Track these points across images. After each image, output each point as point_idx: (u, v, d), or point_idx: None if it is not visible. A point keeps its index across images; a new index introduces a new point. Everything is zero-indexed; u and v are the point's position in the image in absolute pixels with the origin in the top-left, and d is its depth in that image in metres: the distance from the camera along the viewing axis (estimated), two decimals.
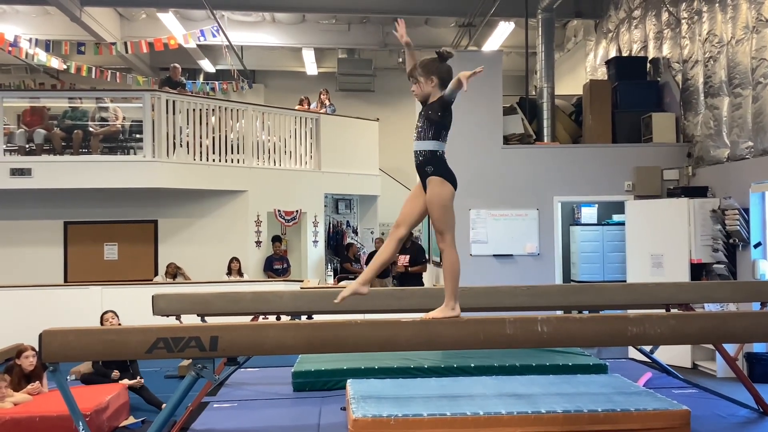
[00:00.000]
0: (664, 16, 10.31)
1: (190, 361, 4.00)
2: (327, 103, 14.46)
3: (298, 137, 12.87)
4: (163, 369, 8.22)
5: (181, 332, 3.80)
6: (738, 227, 8.16)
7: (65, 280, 11.37)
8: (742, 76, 8.33)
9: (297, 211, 12.49)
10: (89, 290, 10.07)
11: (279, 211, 12.28)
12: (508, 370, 6.36)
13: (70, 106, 11.57)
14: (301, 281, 11.01)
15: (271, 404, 5.98)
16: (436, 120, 3.83)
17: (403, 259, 10.65)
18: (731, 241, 8.35)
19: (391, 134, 16.14)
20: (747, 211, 8.16)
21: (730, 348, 5.49)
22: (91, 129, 11.19)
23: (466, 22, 13.43)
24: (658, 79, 10.38)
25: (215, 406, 5.90)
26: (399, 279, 10.84)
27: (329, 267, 13.95)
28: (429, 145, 3.84)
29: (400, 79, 17.33)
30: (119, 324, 6.88)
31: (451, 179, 3.86)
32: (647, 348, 6.16)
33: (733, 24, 8.46)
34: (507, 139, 9.84)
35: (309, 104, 14.53)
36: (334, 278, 13.27)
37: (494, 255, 9.53)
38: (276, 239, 12.20)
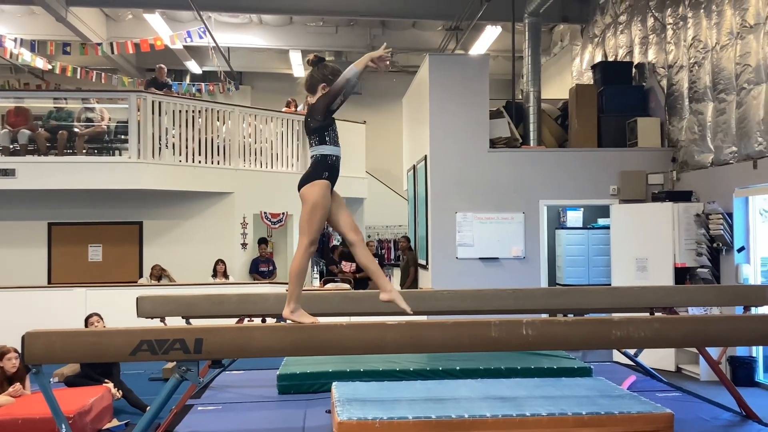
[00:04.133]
0: (650, 21, 10.38)
1: (175, 363, 3.98)
2: None
3: (285, 139, 12.85)
4: (147, 371, 8.18)
5: (165, 334, 3.78)
6: (722, 231, 8.22)
7: (49, 282, 11.29)
8: (726, 81, 8.40)
9: (283, 213, 12.47)
10: (73, 292, 10.01)
11: (265, 213, 12.25)
12: (494, 373, 6.36)
13: (55, 107, 11.49)
14: (287, 284, 10.99)
15: (256, 407, 5.95)
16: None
17: (349, 267, 11.15)
18: (715, 245, 8.42)
19: (378, 137, 16.15)
20: (731, 215, 8.23)
21: (714, 351, 5.53)
22: (76, 130, 11.12)
23: (454, 25, 13.47)
24: (644, 84, 10.45)
25: (199, 408, 5.86)
26: (354, 284, 11.34)
27: (315, 269, 13.92)
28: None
29: (388, 82, 17.37)
30: (104, 327, 6.84)
31: None
32: (631, 351, 6.19)
33: (717, 30, 8.53)
34: (493, 143, 9.88)
35: (296, 106, 14.51)
36: (320, 281, 13.25)
37: (480, 258, 9.56)
38: (262, 241, 12.18)
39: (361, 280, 12.07)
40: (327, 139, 3.88)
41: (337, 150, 3.92)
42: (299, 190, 3.86)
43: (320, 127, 3.88)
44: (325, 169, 3.84)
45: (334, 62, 17.97)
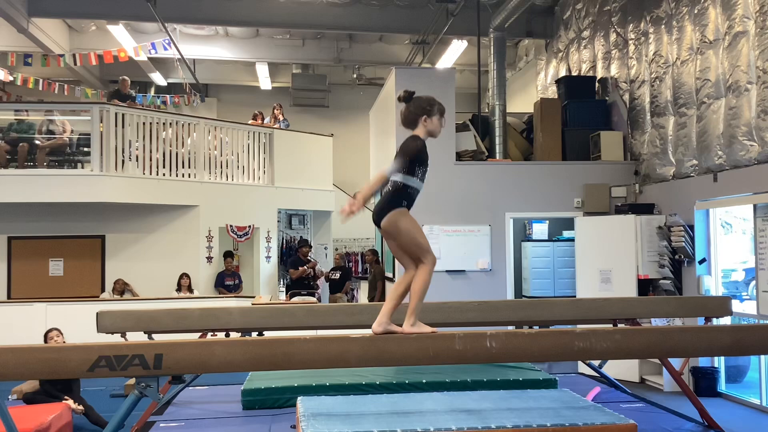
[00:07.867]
0: (612, 36, 10.54)
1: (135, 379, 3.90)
2: (281, 118, 14.40)
3: (252, 152, 12.77)
4: (109, 388, 8.03)
5: (124, 350, 3.70)
6: (683, 243, 8.34)
7: (9, 297, 11.06)
8: (686, 96, 8.54)
9: (249, 226, 12.37)
10: (33, 307, 9.81)
11: (231, 226, 12.15)
12: (460, 385, 6.35)
13: (15, 119, 11.30)
14: (253, 297, 10.89)
15: (220, 423, 5.86)
16: None
17: (296, 273, 12.09)
18: (677, 257, 8.53)
19: (345, 150, 16.15)
20: (692, 227, 8.35)
21: (676, 362, 5.58)
22: (37, 142, 10.94)
23: (420, 39, 13.54)
24: (606, 98, 10.60)
25: (162, 425, 5.76)
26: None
27: (282, 283, 13.83)
28: None
29: (354, 95, 17.38)
30: (64, 342, 6.71)
31: None
32: (596, 363, 6.23)
33: (678, 45, 8.69)
34: (459, 156, 9.92)
35: (263, 119, 14.45)
36: (287, 294, 13.16)
37: (447, 271, 9.56)
38: (228, 255, 12.06)
39: (336, 284, 12.12)
40: (418, 173, 3.83)
41: (422, 186, 3.83)
42: (378, 221, 3.76)
43: (417, 160, 3.80)
44: (404, 198, 3.77)
45: (301, 74, 17.99)
